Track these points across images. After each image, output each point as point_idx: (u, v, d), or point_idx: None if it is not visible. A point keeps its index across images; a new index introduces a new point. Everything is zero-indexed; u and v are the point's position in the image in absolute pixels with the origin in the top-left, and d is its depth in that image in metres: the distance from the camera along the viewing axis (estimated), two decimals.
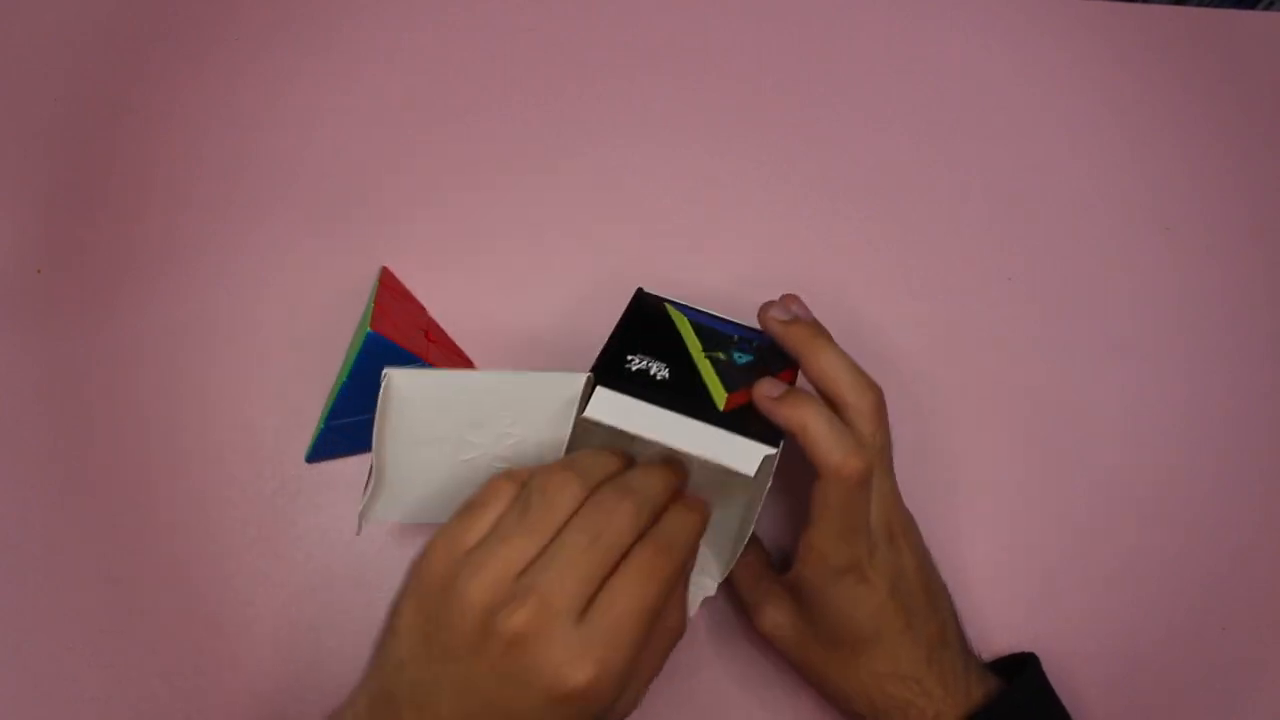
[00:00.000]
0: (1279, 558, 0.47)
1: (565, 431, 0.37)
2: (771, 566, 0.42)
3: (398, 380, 0.35)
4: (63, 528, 0.44)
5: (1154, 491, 0.48)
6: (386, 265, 0.48)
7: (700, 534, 0.35)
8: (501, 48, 0.54)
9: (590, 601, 0.31)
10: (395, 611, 0.33)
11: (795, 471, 0.44)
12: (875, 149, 0.53)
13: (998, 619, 0.44)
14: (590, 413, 0.36)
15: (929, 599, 0.39)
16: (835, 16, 0.56)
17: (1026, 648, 0.43)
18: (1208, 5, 0.58)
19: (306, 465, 0.45)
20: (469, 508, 0.34)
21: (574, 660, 0.30)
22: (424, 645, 0.32)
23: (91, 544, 0.44)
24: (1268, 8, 0.59)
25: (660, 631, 0.33)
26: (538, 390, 0.36)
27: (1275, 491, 0.48)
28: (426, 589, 0.32)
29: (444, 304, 0.48)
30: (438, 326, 0.47)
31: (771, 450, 0.36)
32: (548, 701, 0.30)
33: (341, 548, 0.44)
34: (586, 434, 0.38)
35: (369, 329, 0.42)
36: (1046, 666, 0.40)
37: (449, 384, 0.36)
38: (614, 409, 0.36)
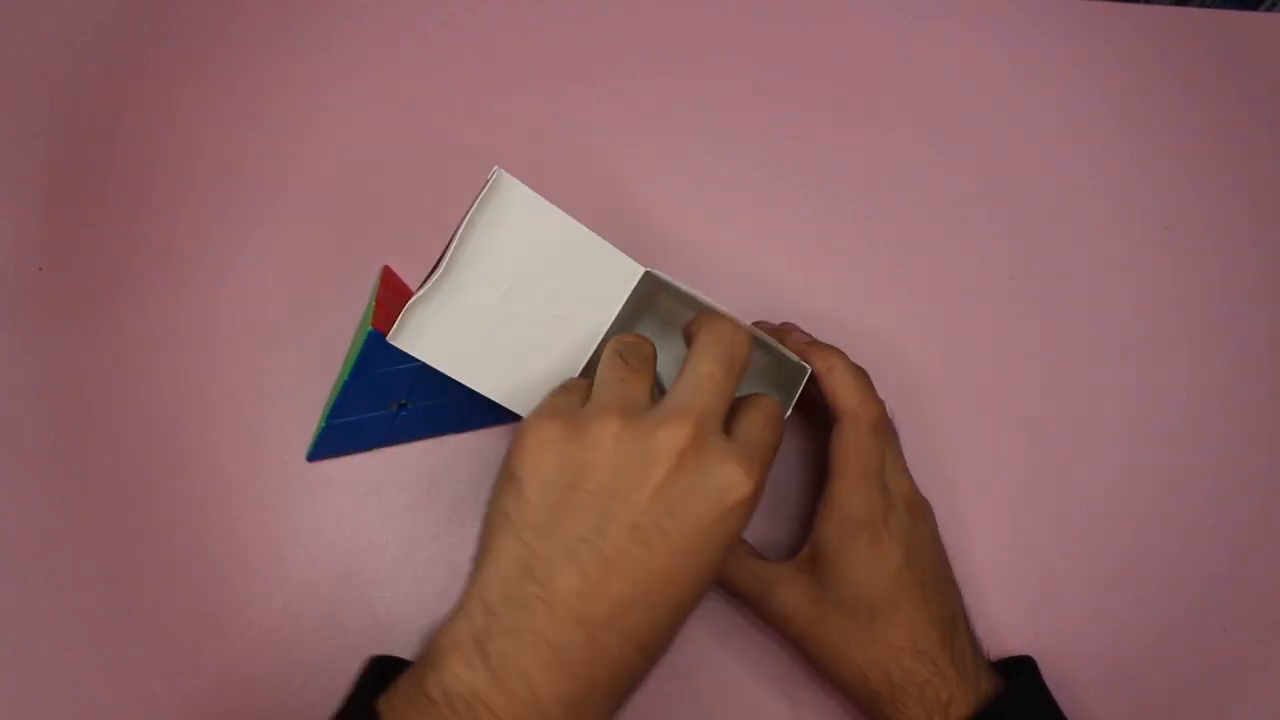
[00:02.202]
0: (1279, 558, 0.47)
1: (611, 314, 0.38)
2: (763, 557, 0.42)
3: (507, 180, 0.36)
4: (63, 528, 0.44)
5: (1154, 491, 0.47)
6: (388, 264, 0.48)
7: None
8: (502, 47, 0.54)
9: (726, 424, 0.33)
10: (508, 490, 0.32)
11: (800, 483, 0.44)
12: (875, 149, 0.53)
13: (998, 619, 0.44)
14: (656, 270, 0.38)
15: (943, 581, 0.39)
16: (835, 16, 0.55)
17: (1026, 648, 0.43)
18: (1208, 5, 0.58)
19: (307, 465, 0.45)
20: (551, 394, 0.35)
21: (739, 470, 0.31)
22: (568, 494, 0.31)
23: (91, 544, 0.44)
24: (1269, 9, 0.59)
25: None
26: (603, 260, 0.38)
27: (1275, 491, 0.48)
28: (549, 449, 0.32)
29: None
30: None
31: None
32: (716, 515, 0.31)
33: (342, 547, 0.44)
34: (627, 325, 0.40)
35: (371, 327, 0.42)
36: (1046, 666, 0.40)
37: (539, 210, 0.37)
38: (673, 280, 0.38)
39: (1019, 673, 0.39)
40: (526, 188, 0.37)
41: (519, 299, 0.37)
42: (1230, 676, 0.45)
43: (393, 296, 0.46)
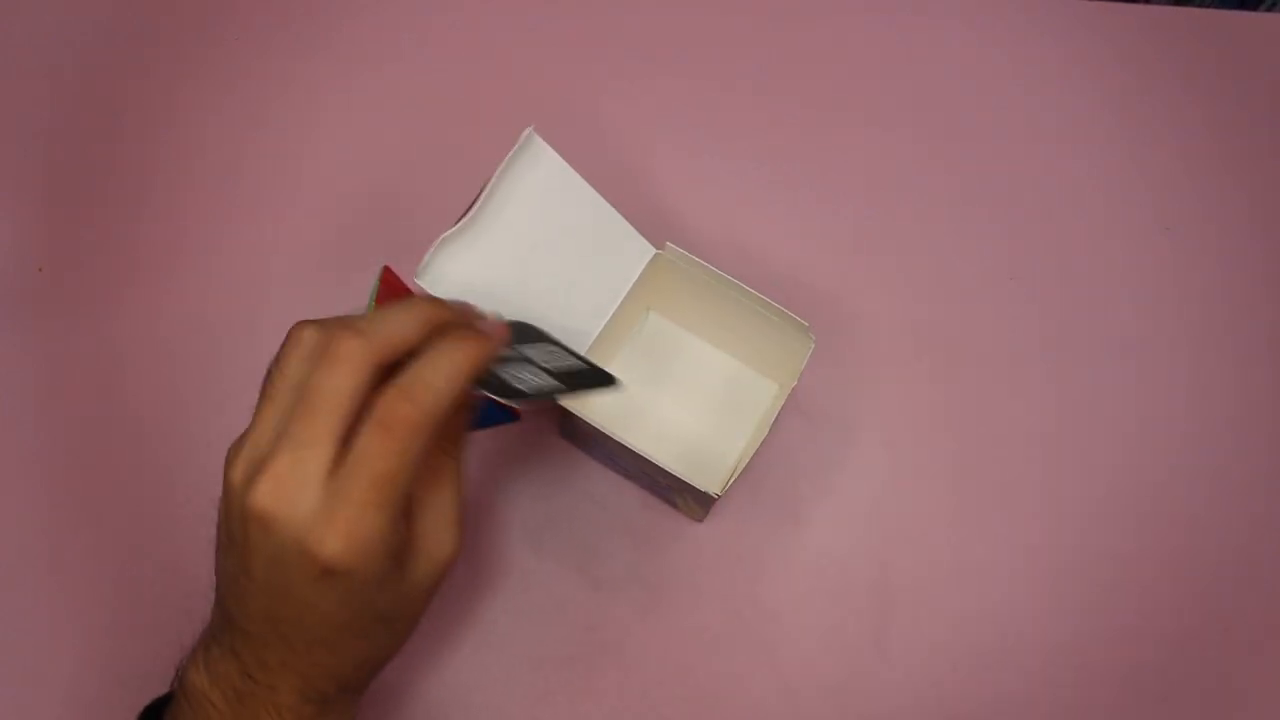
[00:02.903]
0: (1279, 558, 0.47)
1: (622, 290, 0.40)
2: None
3: (537, 141, 0.37)
4: (63, 528, 0.44)
5: (1154, 491, 0.47)
6: (388, 264, 0.48)
7: (470, 369, 0.30)
8: (501, 47, 0.54)
9: (336, 465, 0.27)
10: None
11: None
12: (875, 149, 0.53)
13: (1000, 619, 0.44)
14: (667, 252, 0.40)
15: None
16: (836, 16, 0.55)
17: (1027, 648, 0.43)
18: (1208, 5, 0.58)
19: None
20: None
21: (317, 532, 0.27)
22: (226, 537, 0.30)
23: (91, 544, 0.44)
24: (1269, 9, 0.59)
25: (439, 497, 0.31)
26: (618, 235, 0.40)
27: (1275, 491, 0.48)
28: (227, 472, 0.30)
29: None
30: None
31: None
32: (311, 579, 0.28)
33: None
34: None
35: None
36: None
37: (565, 176, 0.39)
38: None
39: None
40: (554, 152, 0.38)
41: (538, 258, 0.38)
42: (1230, 676, 0.45)
43: (393, 296, 0.46)
